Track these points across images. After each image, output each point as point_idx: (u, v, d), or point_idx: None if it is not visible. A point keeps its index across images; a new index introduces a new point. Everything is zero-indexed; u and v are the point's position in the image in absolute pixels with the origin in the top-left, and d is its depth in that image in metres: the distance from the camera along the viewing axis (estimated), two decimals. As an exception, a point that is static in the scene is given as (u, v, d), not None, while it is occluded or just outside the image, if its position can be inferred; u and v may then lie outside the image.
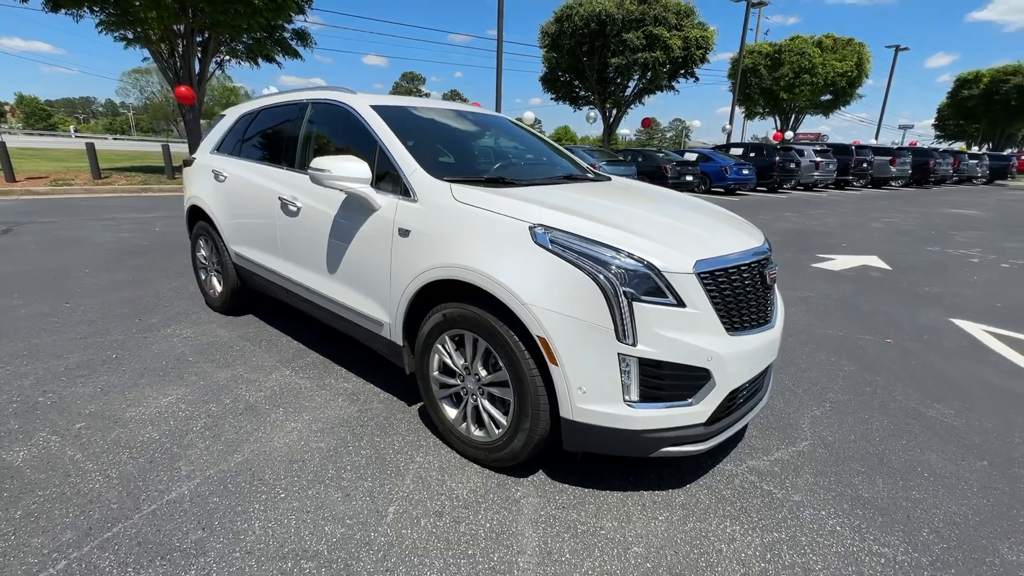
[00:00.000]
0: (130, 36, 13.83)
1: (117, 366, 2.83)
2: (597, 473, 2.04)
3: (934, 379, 3.06)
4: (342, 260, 2.46)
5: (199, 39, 14.18)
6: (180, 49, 13.93)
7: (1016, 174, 30.26)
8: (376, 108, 2.57)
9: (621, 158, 14.56)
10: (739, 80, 25.46)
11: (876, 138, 34.15)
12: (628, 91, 24.07)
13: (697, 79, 23.05)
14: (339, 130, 2.76)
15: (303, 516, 1.75)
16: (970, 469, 2.17)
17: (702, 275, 1.73)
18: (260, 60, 15.95)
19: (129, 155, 25.01)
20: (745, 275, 1.89)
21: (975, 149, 35.04)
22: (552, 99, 26.23)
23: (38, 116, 77.86)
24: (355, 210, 2.35)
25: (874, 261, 6.47)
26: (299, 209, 2.68)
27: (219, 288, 3.66)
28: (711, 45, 21.71)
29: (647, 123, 27.38)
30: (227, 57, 15.90)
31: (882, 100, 35.71)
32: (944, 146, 37.20)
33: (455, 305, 1.96)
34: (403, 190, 2.20)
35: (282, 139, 3.07)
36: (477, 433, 2.06)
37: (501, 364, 1.86)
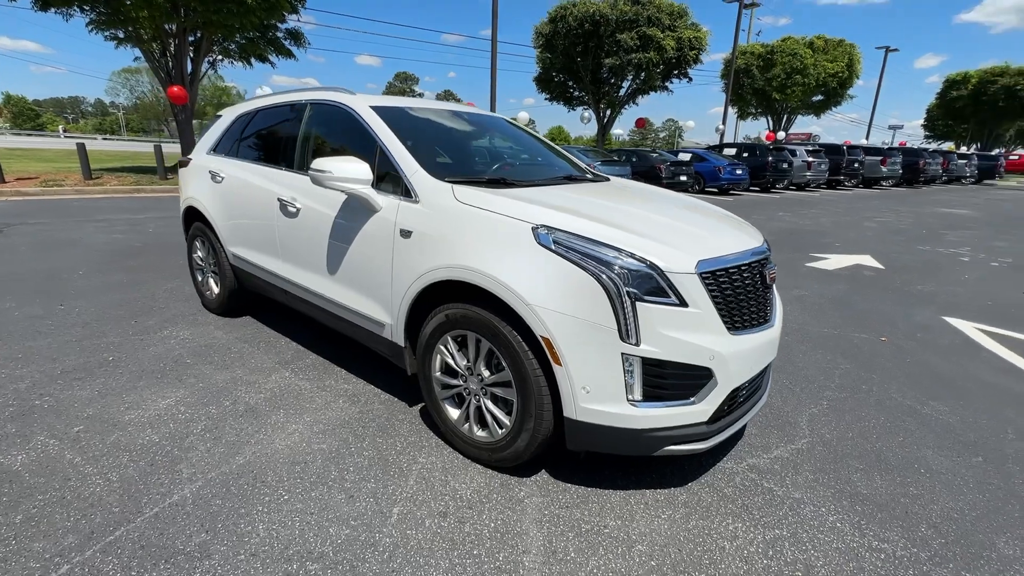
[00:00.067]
0: (121, 35, 13.69)
1: (114, 369, 2.81)
2: (599, 472, 2.05)
3: (929, 377, 3.10)
4: (342, 261, 2.46)
5: (191, 38, 14.08)
6: (172, 49, 13.82)
7: (1004, 174, 30.66)
8: (376, 109, 2.56)
9: (616, 158, 14.59)
10: (732, 81, 25.62)
11: (867, 138, 34.49)
12: (622, 91, 24.18)
13: (690, 79, 23.22)
14: (339, 131, 2.76)
15: (307, 518, 1.75)
16: (966, 465, 2.20)
17: (704, 275, 1.74)
18: (253, 60, 15.84)
19: (120, 155, 24.78)
20: (745, 275, 1.90)
21: (964, 149, 35.48)
22: (546, 99, 26.29)
23: (26, 116, 76.91)
24: (356, 211, 2.34)
25: (867, 260, 6.54)
26: (298, 210, 2.67)
27: (216, 290, 3.64)
28: (704, 46, 21.86)
29: (641, 123, 27.50)
30: (220, 57, 15.80)
31: (872, 100, 36.09)
32: (933, 146, 37.59)
33: (457, 306, 1.96)
34: (404, 191, 2.20)
35: (280, 140, 3.06)
36: (480, 433, 2.06)
37: (504, 364, 1.86)
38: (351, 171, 2.17)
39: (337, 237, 2.47)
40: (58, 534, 1.63)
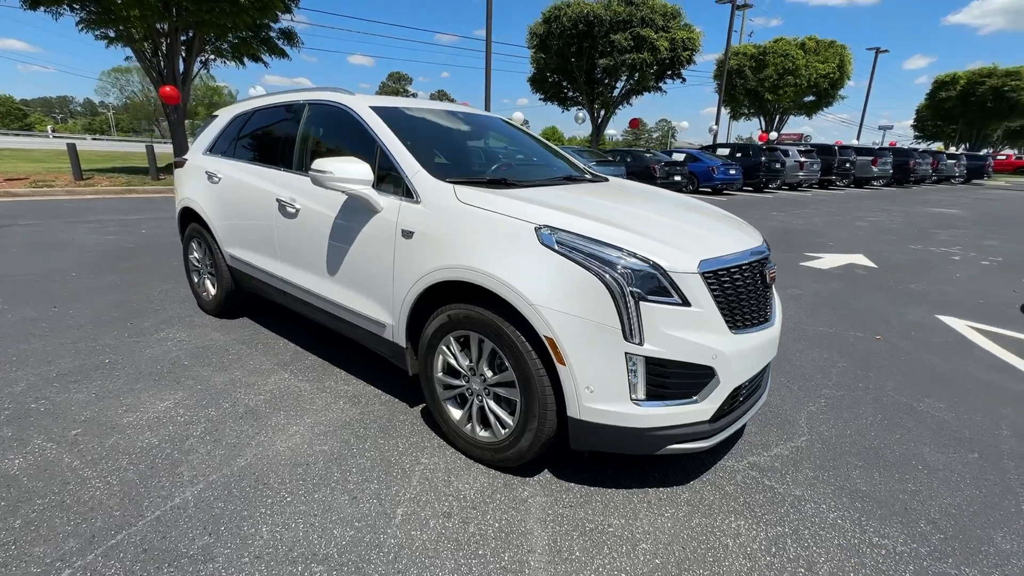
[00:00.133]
0: (112, 34, 13.56)
1: (111, 371, 2.78)
2: (602, 471, 2.06)
3: (924, 374, 3.13)
4: (343, 262, 2.45)
5: (183, 38, 13.96)
6: (164, 48, 13.70)
7: (992, 174, 31.07)
8: (375, 109, 2.56)
9: (610, 158, 14.64)
10: (725, 81, 25.78)
11: (858, 138, 34.79)
12: (616, 92, 24.25)
13: (684, 80, 23.32)
14: (338, 131, 2.75)
15: (311, 520, 1.74)
16: (962, 461, 2.23)
17: (706, 274, 1.76)
18: (246, 59, 15.73)
19: (110, 156, 24.54)
20: (746, 274, 1.92)
21: (953, 149, 35.91)
22: (540, 100, 26.31)
23: (13, 116, 75.89)
24: (356, 212, 2.34)
25: (860, 259, 6.60)
26: (298, 211, 2.66)
27: (213, 291, 3.62)
28: (697, 46, 21.96)
29: (635, 124, 27.60)
30: (212, 56, 15.67)
31: (863, 101, 36.48)
32: (923, 146, 38.03)
33: (460, 306, 1.96)
34: (405, 191, 2.20)
35: (279, 140, 3.04)
36: (483, 434, 2.06)
37: (507, 365, 1.87)
38: (352, 172, 2.16)
39: (337, 238, 2.46)
40: (59, 538, 1.62)
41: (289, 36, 15.97)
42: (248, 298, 3.57)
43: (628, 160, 15.02)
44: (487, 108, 17.72)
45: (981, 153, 32.89)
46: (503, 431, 1.97)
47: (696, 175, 15.79)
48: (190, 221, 3.68)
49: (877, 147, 25.62)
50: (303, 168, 2.75)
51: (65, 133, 69.46)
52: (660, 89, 23.97)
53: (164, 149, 15.53)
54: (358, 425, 2.34)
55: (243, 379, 2.75)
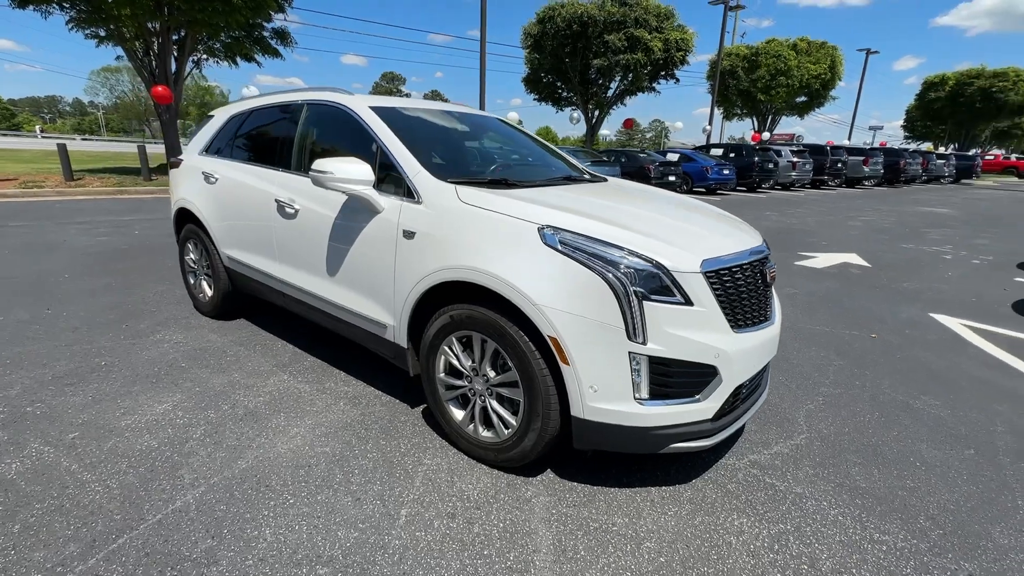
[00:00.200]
0: (102, 34, 13.43)
1: (107, 374, 2.76)
2: (605, 471, 2.07)
3: (919, 372, 3.17)
4: (343, 263, 2.44)
5: (175, 37, 13.85)
6: (156, 47, 13.58)
7: (980, 173, 31.45)
8: (375, 109, 2.55)
9: (605, 159, 14.68)
10: (718, 82, 25.92)
11: (848, 139, 35.12)
12: (610, 92, 24.31)
13: (678, 80, 23.43)
14: (337, 132, 2.74)
15: (314, 521, 1.73)
16: (959, 458, 2.26)
17: (708, 274, 1.76)
18: (239, 59, 15.63)
19: (101, 156, 24.30)
20: (747, 274, 1.93)
21: (942, 149, 36.32)
22: (535, 100, 26.33)
23: (1, 116, 74.93)
24: (357, 212, 2.33)
25: (854, 258, 6.66)
26: (297, 211, 2.65)
27: (209, 292, 3.59)
28: (690, 47, 22.07)
29: (629, 124, 27.70)
30: (204, 56, 15.56)
31: (854, 102, 36.78)
32: (913, 147, 38.45)
33: (463, 307, 1.96)
34: (406, 192, 2.20)
35: (277, 141, 3.02)
36: (485, 434, 2.06)
37: (511, 365, 1.87)
38: (353, 172, 2.16)
39: (337, 238, 2.45)
40: (59, 543, 1.60)
41: (282, 36, 15.90)
42: (245, 299, 3.55)
43: (623, 160, 15.08)
44: (482, 108, 17.71)
45: (970, 153, 33.28)
46: (506, 431, 1.97)
47: (690, 175, 15.88)
48: (186, 222, 3.65)
49: (868, 147, 25.85)
50: (302, 168, 2.74)
51: (54, 133, 68.70)
52: (654, 89, 24.07)
53: (155, 149, 15.37)
54: (359, 426, 2.34)
55: (242, 381, 2.73)
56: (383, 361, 2.92)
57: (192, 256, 3.71)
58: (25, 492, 1.82)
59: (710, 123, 24.98)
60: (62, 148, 11.44)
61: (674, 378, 1.73)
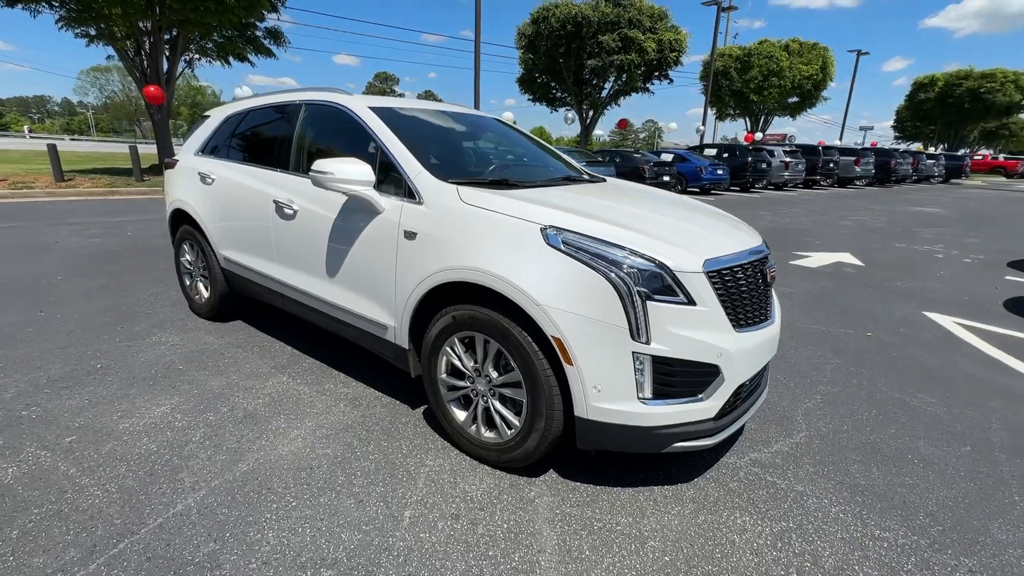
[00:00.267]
0: (92, 33, 13.28)
1: (103, 376, 2.73)
2: (607, 471, 2.07)
3: (914, 370, 3.20)
4: (343, 263, 2.43)
5: (167, 36, 13.72)
6: (147, 47, 13.45)
7: (969, 173, 31.84)
8: (374, 110, 2.54)
9: (600, 159, 14.73)
10: (711, 82, 26.06)
11: (840, 139, 35.43)
12: (604, 92, 24.38)
13: (671, 81, 23.54)
14: (337, 132, 2.72)
15: (317, 524, 1.72)
16: (956, 455, 2.28)
17: (710, 274, 1.77)
18: (232, 59, 15.52)
19: (91, 156, 24.04)
20: (748, 273, 1.94)
21: (932, 150, 36.73)
22: (529, 100, 26.37)
23: (-12, 115, 73.97)
24: (357, 213, 2.32)
25: (847, 258, 6.72)
26: (296, 212, 2.63)
27: (206, 294, 3.56)
28: (684, 48, 22.18)
29: (623, 124, 27.76)
30: (197, 56, 15.43)
31: (845, 102, 37.10)
32: (903, 147, 38.85)
33: (465, 307, 1.96)
34: (407, 192, 2.19)
35: (275, 141, 3.00)
36: (488, 435, 2.06)
37: (514, 365, 1.87)
38: (353, 173, 2.15)
39: (337, 239, 2.44)
40: (58, 548, 1.58)
41: (275, 35, 15.79)
42: (242, 301, 3.52)
43: (617, 160, 15.12)
44: (476, 108, 17.69)
45: (959, 153, 33.73)
46: (509, 431, 1.97)
47: (684, 175, 15.94)
48: (182, 223, 3.61)
49: (859, 147, 26.10)
50: (300, 169, 2.72)
51: (43, 133, 67.94)
52: (647, 90, 24.18)
53: (145, 150, 15.21)
54: (360, 428, 2.33)
55: (240, 383, 2.71)
56: (383, 362, 2.92)
57: (188, 257, 3.68)
58: (23, 497, 1.80)
59: (704, 123, 25.11)
60: (52, 148, 11.30)
61: (677, 378, 1.74)
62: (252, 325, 3.56)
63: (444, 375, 2.14)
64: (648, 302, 1.67)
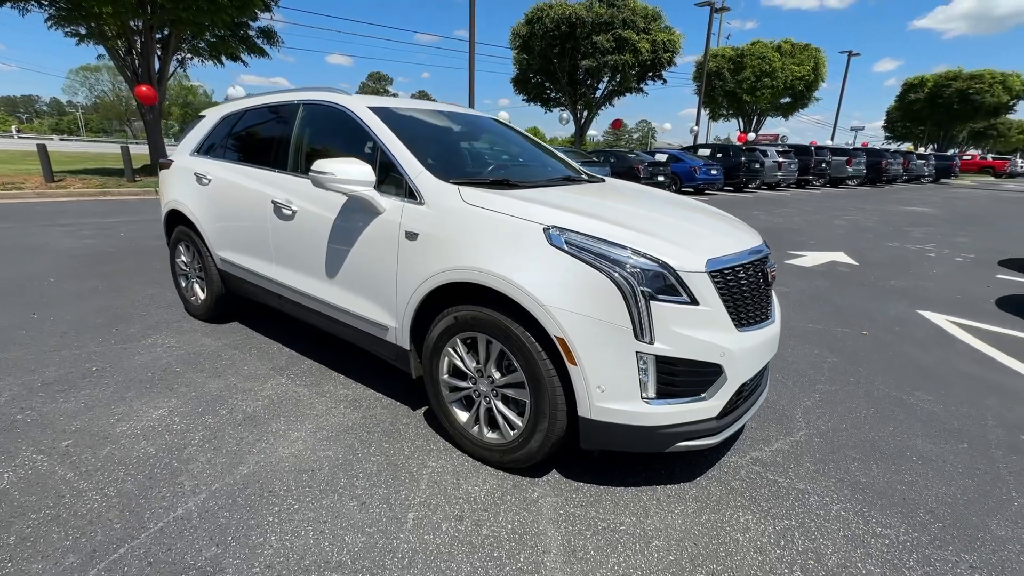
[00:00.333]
0: (83, 32, 13.15)
1: (99, 379, 2.69)
2: (609, 471, 2.07)
3: (910, 368, 3.23)
4: (343, 264, 2.41)
5: (159, 36, 13.60)
6: (139, 46, 13.33)
7: (959, 173, 32.21)
8: (373, 110, 2.53)
9: (595, 159, 14.75)
10: (704, 83, 26.19)
11: (831, 139, 35.71)
12: (598, 93, 24.44)
13: (665, 81, 23.65)
14: (336, 132, 2.71)
15: (320, 527, 1.71)
16: (953, 452, 2.30)
17: (712, 273, 1.78)
18: (224, 58, 15.41)
19: (81, 157, 23.78)
20: (749, 273, 1.95)
21: (922, 150, 37.13)
22: (523, 100, 26.38)
23: (-25, 115, 72.99)
24: (357, 213, 2.31)
25: (841, 257, 6.78)
26: (294, 213, 2.62)
27: (202, 295, 3.53)
28: (677, 48, 22.30)
29: (617, 124, 27.82)
30: (189, 55, 15.31)
31: (837, 102, 37.43)
32: (894, 147, 39.25)
33: (467, 308, 1.95)
34: (408, 193, 2.18)
35: (272, 141, 2.98)
36: (491, 435, 2.05)
37: (517, 365, 1.86)
38: (354, 173, 2.13)
39: (337, 240, 2.42)
40: (57, 554, 1.56)
41: (269, 35, 15.71)
42: (238, 302, 3.50)
43: (612, 160, 15.16)
44: (471, 108, 17.67)
45: (948, 153, 34.13)
46: (512, 432, 1.97)
47: (678, 175, 16.02)
48: (177, 224, 3.58)
49: (851, 148, 26.33)
50: (299, 169, 2.71)
51: (31, 133, 67.17)
52: (641, 90, 24.28)
53: (136, 150, 15.07)
54: (361, 429, 2.31)
55: (239, 385, 2.69)
56: (382, 363, 2.90)
57: (184, 258, 3.64)
58: (20, 502, 1.77)
59: (697, 124, 25.23)
60: (42, 148, 11.17)
61: (680, 377, 1.74)
62: (249, 327, 3.53)
63: (446, 376, 2.14)
64: (652, 302, 1.67)
